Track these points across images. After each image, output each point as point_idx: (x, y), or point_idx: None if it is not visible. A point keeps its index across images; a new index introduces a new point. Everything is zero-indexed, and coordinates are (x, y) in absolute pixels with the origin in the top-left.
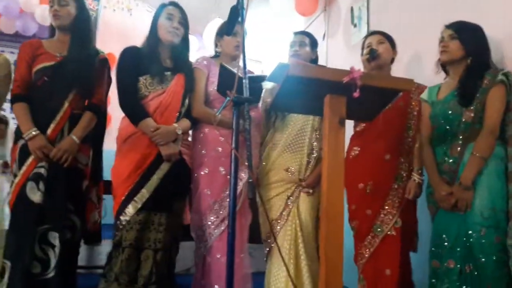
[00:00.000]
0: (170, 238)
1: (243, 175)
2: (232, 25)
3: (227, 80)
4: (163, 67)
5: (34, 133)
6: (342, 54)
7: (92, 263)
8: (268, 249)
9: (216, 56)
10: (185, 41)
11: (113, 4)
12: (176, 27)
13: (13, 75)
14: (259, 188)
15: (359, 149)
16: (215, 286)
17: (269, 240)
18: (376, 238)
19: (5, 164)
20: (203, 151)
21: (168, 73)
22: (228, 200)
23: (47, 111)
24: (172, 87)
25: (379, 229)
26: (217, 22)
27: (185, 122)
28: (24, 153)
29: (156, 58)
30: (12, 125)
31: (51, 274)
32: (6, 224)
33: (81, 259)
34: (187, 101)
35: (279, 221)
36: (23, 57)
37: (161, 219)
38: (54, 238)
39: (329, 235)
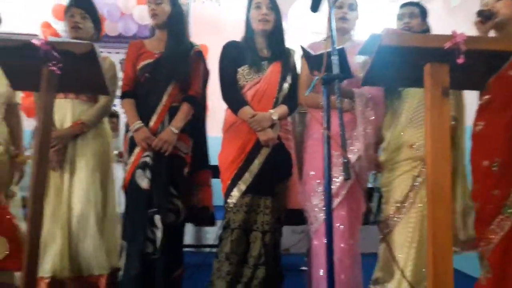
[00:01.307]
0: (275, 220)
1: (351, 156)
2: (318, 1)
3: (313, 60)
4: (259, 57)
5: (138, 125)
6: (440, 18)
7: (200, 242)
8: (386, 231)
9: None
10: (278, 26)
11: None
12: (265, 14)
13: (120, 74)
14: (378, 168)
15: (483, 123)
16: (320, 270)
17: (389, 221)
18: (507, 220)
19: (120, 154)
20: (308, 134)
21: (265, 62)
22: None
23: (149, 105)
24: (268, 75)
25: (510, 210)
26: (301, 2)
27: (282, 108)
28: (132, 143)
29: (252, 49)
30: (123, 119)
31: (158, 254)
32: (122, 208)
33: (191, 238)
34: (285, 87)
35: (404, 203)
36: (129, 57)
37: (267, 202)
38: (158, 220)
39: (435, 215)
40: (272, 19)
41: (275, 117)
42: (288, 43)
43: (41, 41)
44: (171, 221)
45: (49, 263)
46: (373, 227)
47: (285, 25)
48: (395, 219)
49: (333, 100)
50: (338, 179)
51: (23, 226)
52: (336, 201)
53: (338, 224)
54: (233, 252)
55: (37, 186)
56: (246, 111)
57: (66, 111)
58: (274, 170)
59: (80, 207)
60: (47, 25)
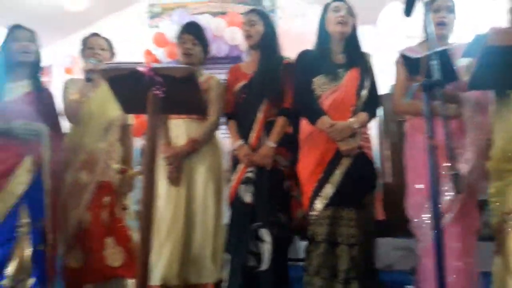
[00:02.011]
0: (362, 233)
1: (462, 167)
2: (411, 4)
3: (413, 64)
4: (335, 64)
5: (239, 144)
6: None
7: (292, 255)
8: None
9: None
10: (354, 31)
11: (288, 13)
12: (343, 16)
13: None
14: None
15: None
16: None
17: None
18: None
19: None
20: (408, 143)
21: (341, 70)
22: (443, 196)
23: (247, 123)
24: (345, 83)
25: None
26: (393, 6)
27: (362, 116)
28: (235, 161)
29: (327, 56)
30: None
31: (264, 267)
32: (225, 220)
33: None
34: (363, 94)
35: None
36: (228, 82)
37: (350, 214)
38: (265, 234)
39: None
40: (350, 23)
41: (355, 125)
42: (380, 48)
43: (145, 68)
44: (275, 235)
45: (160, 272)
46: (486, 243)
47: (375, 30)
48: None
49: (436, 106)
50: (448, 193)
51: (136, 237)
52: (447, 217)
53: (451, 242)
54: (322, 266)
55: (147, 199)
56: (325, 121)
57: (180, 130)
58: (357, 181)
59: (196, 219)
60: (148, 53)
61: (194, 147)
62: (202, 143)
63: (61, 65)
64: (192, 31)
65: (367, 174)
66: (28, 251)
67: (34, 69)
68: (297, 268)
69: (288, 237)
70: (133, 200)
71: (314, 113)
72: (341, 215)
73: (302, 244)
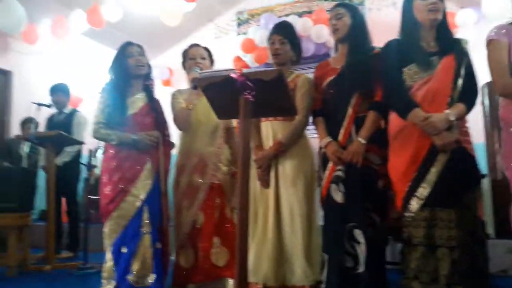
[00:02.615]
0: (465, 234)
1: None
2: None
3: None
4: (427, 52)
5: (327, 141)
6: None
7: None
8: None
9: None
10: (445, 16)
11: (377, 4)
12: (435, 2)
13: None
14: None
15: None
16: None
17: None
18: None
19: None
20: (507, 127)
21: (434, 58)
22: None
23: (336, 119)
24: (439, 72)
25: None
26: None
27: (459, 107)
28: (325, 159)
29: (417, 44)
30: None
31: (361, 269)
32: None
33: None
34: (460, 83)
35: None
36: (315, 79)
37: (450, 214)
38: (359, 235)
39: None
40: (441, 8)
41: (452, 117)
42: (485, 33)
43: (237, 74)
44: (370, 236)
45: (262, 272)
46: None
47: (478, 14)
48: None
49: None
50: None
51: None
52: None
53: None
54: (421, 270)
55: (243, 200)
56: (417, 113)
57: (268, 132)
58: (456, 178)
59: (287, 220)
60: (238, 59)
61: (280, 149)
62: (288, 145)
63: (159, 78)
64: (280, 31)
65: (467, 171)
66: (149, 250)
67: (147, 81)
68: (392, 271)
69: (384, 239)
70: None
71: (406, 105)
72: (440, 216)
73: (398, 246)
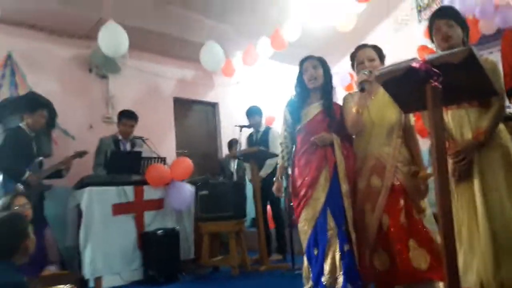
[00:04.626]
0: None
1: None
2: None
3: None
4: None
5: None
6: None
7: None
8: None
9: None
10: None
11: None
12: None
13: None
14: None
15: None
16: None
17: None
18: None
19: None
20: None
21: None
22: None
23: None
24: None
25: None
26: None
27: None
28: None
29: None
30: None
31: None
32: None
33: None
34: None
35: None
36: (503, 51)
37: None
38: None
39: None
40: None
41: None
42: None
43: (419, 62)
44: None
45: (473, 275)
46: None
47: None
48: None
49: None
50: None
51: (437, 239)
52: None
53: None
54: None
55: (443, 200)
56: None
57: (463, 121)
58: None
59: (498, 219)
60: (423, 48)
61: (481, 139)
62: (492, 133)
63: (341, 84)
64: (444, 15)
65: None
66: (337, 251)
67: (325, 90)
68: None
69: None
70: (427, 203)
71: None
72: None
73: None
